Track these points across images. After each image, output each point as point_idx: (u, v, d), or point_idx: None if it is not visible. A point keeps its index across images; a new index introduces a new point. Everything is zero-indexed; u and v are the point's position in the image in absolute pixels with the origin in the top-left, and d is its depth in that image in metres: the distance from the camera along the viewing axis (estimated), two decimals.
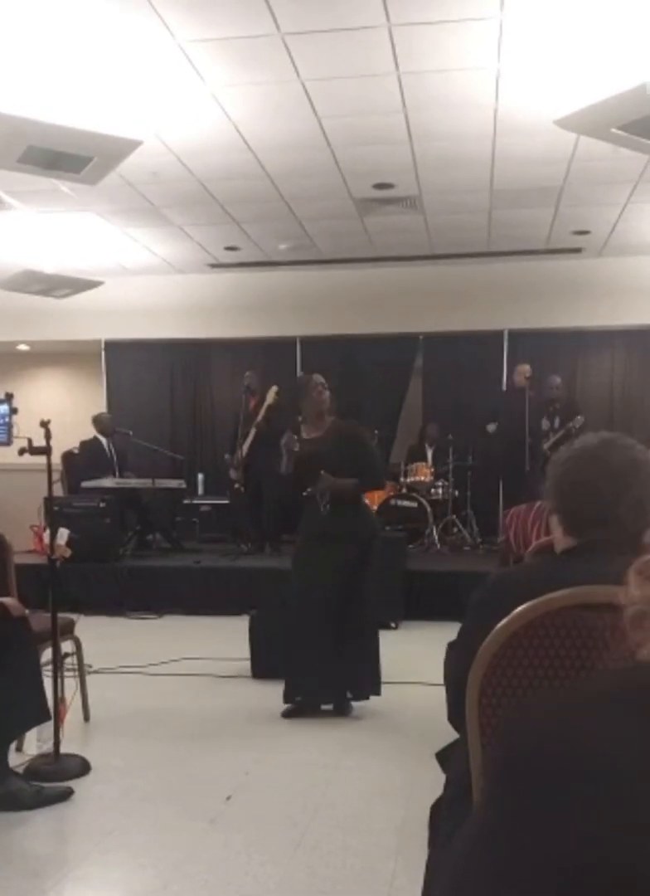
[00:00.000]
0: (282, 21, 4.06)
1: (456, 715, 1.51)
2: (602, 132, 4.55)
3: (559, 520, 1.61)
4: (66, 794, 3.23)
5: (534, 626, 1.35)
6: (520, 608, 1.36)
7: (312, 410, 4.40)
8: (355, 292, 8.77)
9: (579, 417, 7.58)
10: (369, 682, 4.34)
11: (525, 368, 7.93)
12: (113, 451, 8.48)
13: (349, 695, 4.34)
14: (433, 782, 1.85)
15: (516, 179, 6.25)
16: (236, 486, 7.96)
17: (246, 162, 5.85)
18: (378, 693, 4.35)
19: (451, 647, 1.70)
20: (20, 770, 3.36)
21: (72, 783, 3.32)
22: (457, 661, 1.55)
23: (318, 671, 4.24)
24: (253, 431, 7.79)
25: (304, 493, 4.31)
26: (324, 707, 4.35)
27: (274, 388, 7.82)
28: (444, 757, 1.86)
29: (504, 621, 1.36)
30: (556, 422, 7.84)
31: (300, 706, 4.30)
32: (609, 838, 0.50)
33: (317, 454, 4.26)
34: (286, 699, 4.29)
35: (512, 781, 0.57)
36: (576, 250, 8.22)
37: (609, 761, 0.52)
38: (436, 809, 1.69)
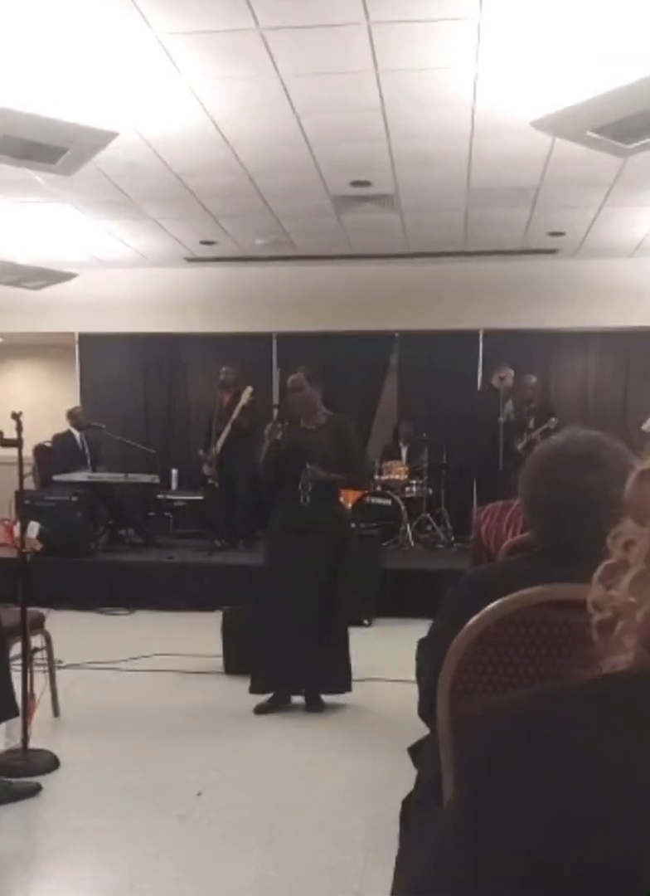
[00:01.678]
0: (260, 16, 4.04)
1: (427, 710, 1.51)
2: (578, 135, 4.58)
3: (534, 520, 1.62)
4: (35, 790, 3.21)
5: (505, 623, 1.36)
6: (492, 605, 1.36)
7: (291, 410, 4.49)
8: (331, 289, 8.76)
9: (553, 419, 7.62)
10: (341, 677, 4.35)
11: (508, 372, 7.93)
12: (86, 444, 8.41)
13: (321, 689, 4.34)
14: (404, 778, 1.86)
15: (493, 179, 6.27)
16: (210, 481, 7.93)
17: (223, 157, 5.82)
18: (349, 689, 4.36)
19: (423, 643, 1.70)
20: None
21: (40, 779, 3.30)
22: (429, 658, 1.55)
23: (292, 664, 4.25)
24: (228, 427, 7.76)
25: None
26: (294, 700, 4.36)
27: (249, 389, 7.80)
28: (417, 752, 1.87)
29: (476, 617, 1.36)
30: (531, 422, 7.89)
31: (272, 702, 4.30)
32: (576, 834, 0.50)
33: (305, 446, 4.29)
34: (252, 690, 4.30)
35: (479, 777, 0.57)
36: (552, 251, 8.27)
37: (578, 756, 0.53)
38: (407, 805, 1.70)
